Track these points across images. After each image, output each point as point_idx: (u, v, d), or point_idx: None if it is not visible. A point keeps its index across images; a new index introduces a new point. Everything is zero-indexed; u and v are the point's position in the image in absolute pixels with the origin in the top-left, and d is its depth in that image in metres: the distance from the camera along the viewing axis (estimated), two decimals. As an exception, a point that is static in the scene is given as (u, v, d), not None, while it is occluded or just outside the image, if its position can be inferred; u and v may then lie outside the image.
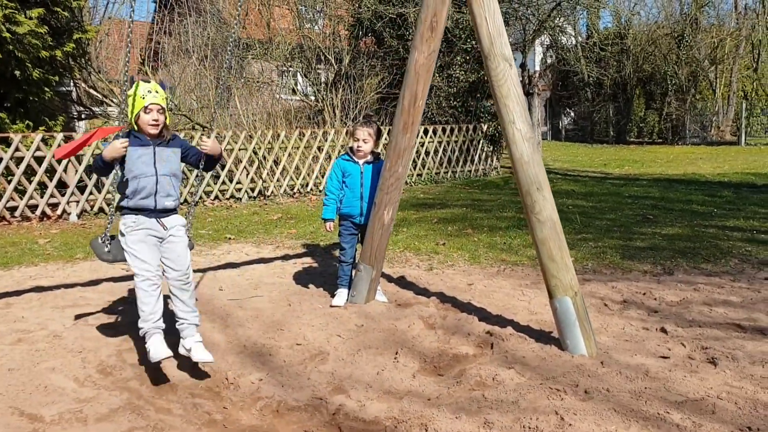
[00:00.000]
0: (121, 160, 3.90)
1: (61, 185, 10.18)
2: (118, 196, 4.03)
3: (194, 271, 6.27)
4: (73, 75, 12.31)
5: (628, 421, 3.10)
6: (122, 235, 3.92)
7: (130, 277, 6.10)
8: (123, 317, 4.95)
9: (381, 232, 5.04)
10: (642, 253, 6.86)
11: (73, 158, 10.23)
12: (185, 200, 10.76)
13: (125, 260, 3.95)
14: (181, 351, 3.91)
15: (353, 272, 5.24)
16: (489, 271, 6.36)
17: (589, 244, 7.29)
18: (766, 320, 4.62)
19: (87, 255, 7.28)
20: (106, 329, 4.67)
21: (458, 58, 15.20)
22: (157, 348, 3.70)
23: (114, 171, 3.97)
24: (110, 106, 13.82)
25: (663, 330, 4.45)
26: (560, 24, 24.86)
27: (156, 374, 3.92)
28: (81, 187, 10.38)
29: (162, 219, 3.96)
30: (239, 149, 12.02)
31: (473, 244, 7.56)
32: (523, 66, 20.00)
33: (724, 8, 36.31)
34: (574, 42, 28.20)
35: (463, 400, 3.46)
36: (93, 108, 13.63)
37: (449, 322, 4.71)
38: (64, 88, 12.81)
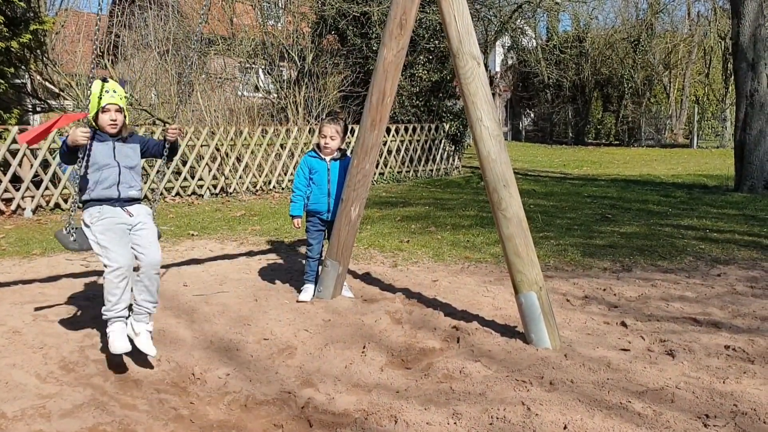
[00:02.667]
0: (83, 154, 3.91)
1: (16, 180, 9.91)
2: (77, 191, 4.02)
3: (157, 267, 6.22)
4: (28, 67, 11.98)
5: (592, 410, 3.18)
6: (87, 226, 3.87)
7: (90, 273, 6.04)
8: (84, 313, 4.85)
9: (348, 228, 5.05)
10: (601, 250, 7.02)
11: (29, 152, 9.99)
12: (145, 197, 10.56)
13: (91, 248, 3.88)
14: (128, 332, 3.86)
15: (320, 268, 5.25)
16: (453, 268, 6.43)
17: (551, 242, 7.43)
18: (719, 314, 4.79)
19: (44, 251, 7.12)
20: (66, 325, 4.57)
21: (421, 57, 15.28)
22: (119, 339, 3.73)
23: (75, 165, 3.95)
24: (66, 99, 13.50)
25: (623, 324, 4.58)
26: (521, 26, 25.26)
27: (120, 370, 3.87)
28: (36, 182, 10.12)
29: (127, 207, 3.98)
30: (201, 145, 11.88)
31: (437, 241, 7.63)
32: (484, 67, 20.24)
33: (677, 15, 37.26)
34: (534, 44, 28.68)
35: (431, 392, 3.51)
36: (49, 101, 13.28)
37: (415, 317, 4.76)
38: (19, 81, 12.46)
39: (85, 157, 3.92)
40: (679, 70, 32.42)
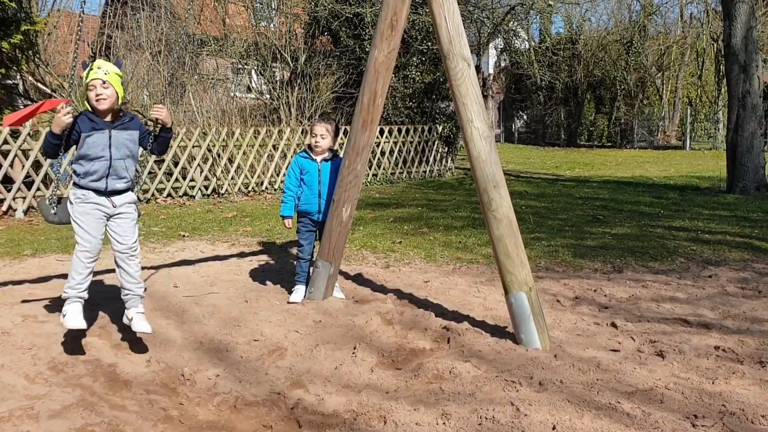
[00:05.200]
0: (75, 141, 3.88)
1: (7, 180, 9.86)
2: (66, 165, 4.16)
3: (147, 268, 6.20)
4: (20, 68, 11.94)
5: (581, 411, 3.19)
6: (71, 203, 3.96)
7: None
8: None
9: (339, 229, 5.05)
10: (593, 251, 7.04)
11: (20, 153, 9.95)
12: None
13: (70, 223, 3.99)
14: (125, 320, 4.09)
15: (311, 269, 5.24)
16: (445, 268, 6.43)
17: (542, 243, 7.45)
18: (710, 315, 4.81)
19: (35, 252, 7.09)
20: (56, 326, 4.54)
21: (414, 59, 15.29)
22: (75, 316, 3.84)
23: (61, 154, 3.91)
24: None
25: (613, 325, 4.59)
26: (514, 28, 25.32)
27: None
28: (28, 183, 10.08)
29: (112, 198, 3.99)
30: (193, 146, 11.86)
31: (429, 242, 7.63)
32: (477, 69, 20.26)
33: (670, 17, 37.50)
34: (527, 46, 28.73)
35: (421, 392, 3.50)
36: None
37: (406, 318, 4.75)
38: (10, 81, 12.40)
39: (78, 144, 3.86)
40: (672, 71, 32.58)
